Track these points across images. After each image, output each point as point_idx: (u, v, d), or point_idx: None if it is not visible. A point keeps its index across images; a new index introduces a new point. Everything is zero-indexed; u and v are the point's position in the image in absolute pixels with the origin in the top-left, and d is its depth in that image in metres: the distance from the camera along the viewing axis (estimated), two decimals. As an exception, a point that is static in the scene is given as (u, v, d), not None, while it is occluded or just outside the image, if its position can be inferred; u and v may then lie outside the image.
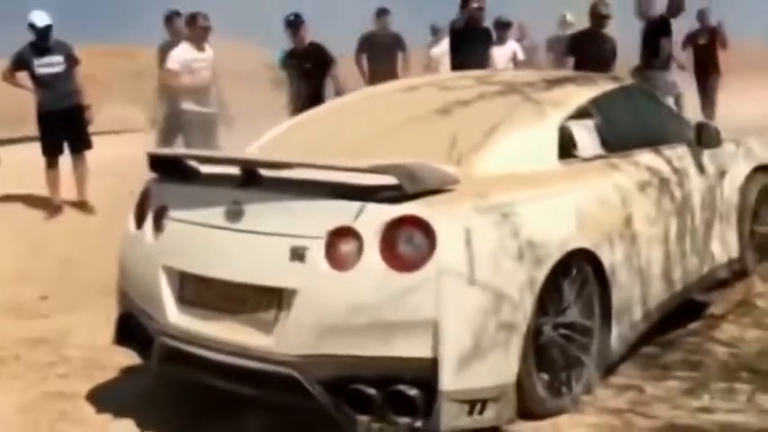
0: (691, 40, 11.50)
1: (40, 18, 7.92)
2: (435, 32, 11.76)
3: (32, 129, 9.75)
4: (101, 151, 8.29)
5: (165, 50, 8.60)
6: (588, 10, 9.08)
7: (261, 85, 11.97)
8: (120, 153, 8.52)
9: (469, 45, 8.46)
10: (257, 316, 3.42)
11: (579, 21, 10.37)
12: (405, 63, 10.02)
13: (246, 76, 10.51)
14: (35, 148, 8.41)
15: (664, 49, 9.38)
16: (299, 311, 3.29)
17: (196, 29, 8.19)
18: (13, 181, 7.84)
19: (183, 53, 8.16)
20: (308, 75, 8.50)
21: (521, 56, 10.51)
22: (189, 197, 3.73)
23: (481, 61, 8.27)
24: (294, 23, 8.61)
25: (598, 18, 8.88)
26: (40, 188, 8.22)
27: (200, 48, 8.19)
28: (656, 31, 9.29)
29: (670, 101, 9.58)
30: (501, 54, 10.18)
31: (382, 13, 9.87)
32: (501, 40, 10.30)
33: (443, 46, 11.30)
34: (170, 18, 8.74)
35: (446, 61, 10.94)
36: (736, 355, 4.28)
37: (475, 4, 8.49)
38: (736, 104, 11.06)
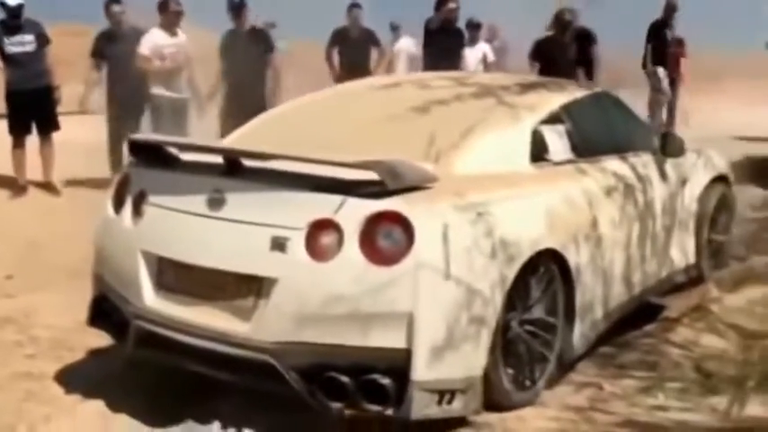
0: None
1: None
2: (395, 29, 11.86)
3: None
4: (64, 132, 8.22)
5: (100, 39, 8.48)
6: (553, 17, 9.37)
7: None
8: (81, 134, 8.44)
9: (443, 45, 8.58)
10: (236, 303, 3.49)
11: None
12: (379, 59, 10.02)
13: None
14: (-1, 127, 8.35)
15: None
16: (277, 300, 3.37)
17: (168, 14, 8.17)
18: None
19: (154, 38, 8.15)
20: (248, 59, 8.38)
21: (491, 57, 10.61)
22: (169, 184, 3.78)
23: (454, 61, 8.38)
24: (237, 6, 8.54)
25: (562, 24, 9.15)
26: (3, 168, 8.14)
27: (172, 33, 8.19)
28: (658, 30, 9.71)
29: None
30: (472, 55, 10.30)
31: (353, 6, 9.91)
32: (472, 41, 10.41)
33: (402, 43, 11.43)
34: (108, 5, 8.43)
35: (404, 57, 11.07)
36: (690, 357, 4.44)
37: (452, 5, 8.61)
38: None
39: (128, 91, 8.01)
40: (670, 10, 11.37)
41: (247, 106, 7.15)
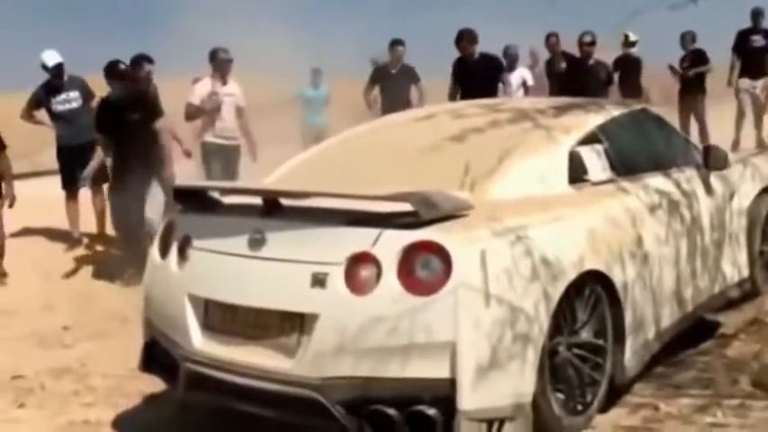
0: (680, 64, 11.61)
1: (51, 57, 8.11)
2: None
3: (38, 163, 9.91)
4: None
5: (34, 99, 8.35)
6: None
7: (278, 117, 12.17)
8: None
9: (479, 75, 8.64)
10: (280, 340, 3.52)
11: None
12: (420, 96, 9.95)
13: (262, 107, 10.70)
14: (45, 183, 8.57)
15: None
16: (320, 335, 3.39)
17: (217, 62, 8.36)
18: (30, 215, 7.95)
19: (204, 87, 8.34)
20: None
21: (530, 81, 10.62)
22: (212, 227, 3.85)
23: (491, 91, 8.44)
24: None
25: (583, 46, 9.68)
26: (58, 221, 8.34)
27: (223, 81, 8.36)
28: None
29: None
30: (511, 80, 10.39)
31: (396, 43, 9.90)
32: (510, 68, 10.46)
33: None
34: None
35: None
36: (747, 372, 4.34)
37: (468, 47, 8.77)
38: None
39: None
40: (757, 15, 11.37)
41: None
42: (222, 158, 8.30)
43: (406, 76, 9.91)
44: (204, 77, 8.48)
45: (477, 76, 8.61)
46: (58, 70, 8.11)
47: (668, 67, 11.63)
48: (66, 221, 8.24)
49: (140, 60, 8.04)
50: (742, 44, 11.42)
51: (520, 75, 10.59)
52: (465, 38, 8.79)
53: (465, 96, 8.33)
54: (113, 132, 7.19)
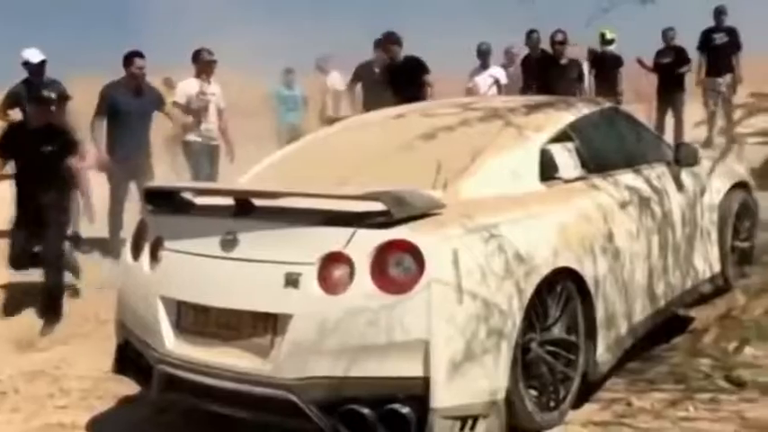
0: (655, 59, 11.74)
1: (34, 55, 8.03)
2: (322, 66, 11.74)
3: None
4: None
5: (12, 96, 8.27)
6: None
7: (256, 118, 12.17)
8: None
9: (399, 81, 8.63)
10: (254, 341, 3.52)
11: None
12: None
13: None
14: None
15: None
16: (294, 336, 3.39)
17: (201, 63, 8.39)
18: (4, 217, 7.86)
19: (188, 87, 8.36)
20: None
21: (503, 80, 10.59)
22: (184, 228, 3.84)
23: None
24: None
25: (555, 45, 9.98)
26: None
27: (206, 82, 8.40)
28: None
29: None
30: (482, 80, 10.44)
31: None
32: (483, 67, 10.54)
33: (332, 78, 11.37)
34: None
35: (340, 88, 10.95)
36: (719, 367, 4.39)
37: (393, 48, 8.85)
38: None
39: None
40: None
41: None
42: (207, 158, 8.33)
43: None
44: (188, 78, 8.47)
45: (401, 78, 8.59)
46: (41, 68, 8.04)
47: (636, 60, 11.72)
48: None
49: (132, 56, 7.95)
50: (706, 43, 11.57)
51: (491, 74, 10.57)
52: (387, 41, 8.88)
53: (396, 100, 8.25)
54: (21, 162, 6.61)
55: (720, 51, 11.43)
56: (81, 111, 8.16)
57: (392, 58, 8.92)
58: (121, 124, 7.81)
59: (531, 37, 10.61)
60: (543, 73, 10.12)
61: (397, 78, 8.69)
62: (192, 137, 8.34)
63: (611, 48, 11.17)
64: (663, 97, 11.58)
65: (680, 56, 11.57)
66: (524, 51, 10.82)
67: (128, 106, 7.83)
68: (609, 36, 11.10)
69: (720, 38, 11.45)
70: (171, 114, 8.27)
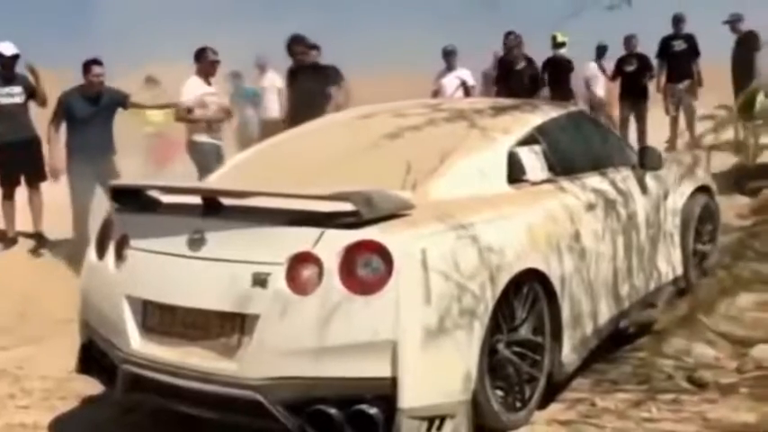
0: (618, 66, 11.81)
1: (8, 48, 7.92)
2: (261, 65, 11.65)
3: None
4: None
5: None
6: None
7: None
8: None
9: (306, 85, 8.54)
10: (221, 341, 3.50)
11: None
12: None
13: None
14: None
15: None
16: (261, 336, 3.38)
17: (205, 63, 8.20)
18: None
19: (194, 87, 8.18)
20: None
21: (471, 82, 10.54)
22: (151, 227, 3.80)
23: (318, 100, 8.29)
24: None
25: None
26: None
27: (208, 82, 8.27)
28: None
29: None
30: (449, 83, 10.32)
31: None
32: (449, 69, 10.46)
33: (269, 78, 11.27)
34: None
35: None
36: (682, 367, 4.45)
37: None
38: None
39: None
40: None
41: None
42: (215, 158, 8.03)
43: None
44: (191, 77, 8.28)
45: (304, 85, 8.49)
46: (13, 61, 7.93)
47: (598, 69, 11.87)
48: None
49: (90, 64, 7.86)
50: (665, 50, 11.70)
51: (457, 75, 10.46)
52: (294, 44, 8.74)
53: (296, 104, 8.33)
54: None
55: (680, 58, 11.58)
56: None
57: (298, 62, 8.73)
58: (81, 130, 7.77)
59: (507, 38, 10.54)
60: (503, 76, 10.22)
61: (301, 84, 8.52)
62: (201, 138, 8.15)
63: (563, 51, 11.23)
64: (626, 104, 11.67)
65: (643, 63, 11.69)
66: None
67: (84, 112, 7.79)
68: (560, 39, 11.16)
69: (679, 44, 11.61)
70: (141, 105, 8.28)
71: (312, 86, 8.51)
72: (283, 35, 8.97)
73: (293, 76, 8.90)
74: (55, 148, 7.88)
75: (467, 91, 10.37)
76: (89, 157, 7.61)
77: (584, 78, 11.84)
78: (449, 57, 10.57)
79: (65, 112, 7.82)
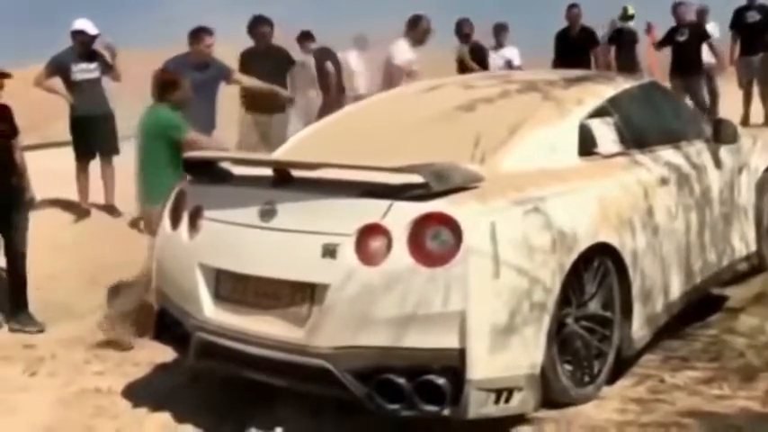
0: (669, 36, 10.90)
1: (91, 27, 8.08)
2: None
3: (45, 136, 9.75)
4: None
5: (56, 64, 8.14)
6: None
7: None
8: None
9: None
10: (291, 310, 3.55)
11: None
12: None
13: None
14: (52, 155, 8.54)
15: None
16: (331, 305, 3.42)
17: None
18: (38, 187, 7.93)
19: (406, 51, 8.08)
20: None
21: (517, 62, 10.04)
22: (223, 198, 3.87)
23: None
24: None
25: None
26: (66, 193, 8.34)
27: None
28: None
29: None
30: (494, 62, 9.92)
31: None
32: (498, 46, 10.10)
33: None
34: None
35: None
36: (754, 346, 4.37)
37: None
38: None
39: None
40: None
41: None
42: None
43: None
44: (399, 39, 8.12)
45: (258, 66, 8.02)
46: (93, 39, 8.09)
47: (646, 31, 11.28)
48: (73, 193, 8.25)
49: (200, 32, 7.65)
50: (739, 21, 11.33)
51: (503, 56, 10.05)
52: (256, 24, 8.28)
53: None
54: None
55: (754, 29, 11.19)
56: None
57: (258, 43, 8.28)
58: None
59: (570, 11, 10.32)
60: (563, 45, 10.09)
61: (255, 66, 8.02)
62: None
63: (631, 24, 10.92)
64: (678, 78, 11.10)
65: (696, 32, 10.58)
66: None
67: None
68: (630, 11, 10.89)
69: (753, 15, 11.23)
70: (242, 81, 7.89)
71: (271, 70, 8.11)
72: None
73: (249, 58, 8.31)
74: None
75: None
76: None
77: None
78: (499, 32, 10.11)
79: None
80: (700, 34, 10.64)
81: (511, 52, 10.22)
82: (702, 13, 11.43)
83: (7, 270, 5.89)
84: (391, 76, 7.93)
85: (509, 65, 9.96)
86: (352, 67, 10.37)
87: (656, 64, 11.81)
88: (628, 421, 3.60)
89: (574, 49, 10.11)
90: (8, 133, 5.94)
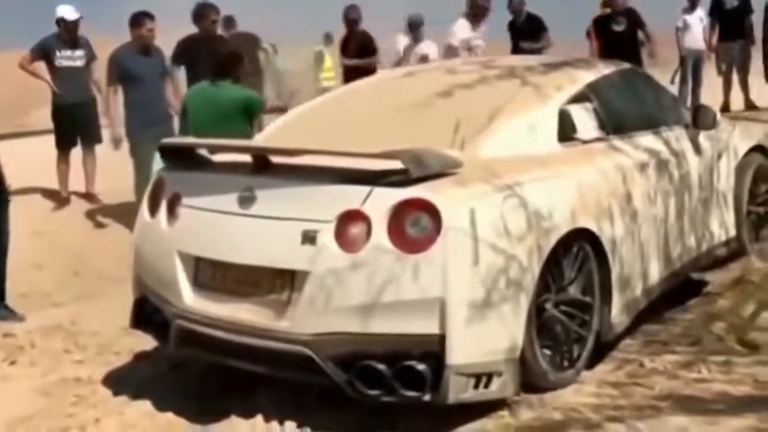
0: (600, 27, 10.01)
1: (71, 12, 8.02)
2: None
3: (22, 124, 9.64)
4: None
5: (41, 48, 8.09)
6: None
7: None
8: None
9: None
10: (271, 297, 3.55)
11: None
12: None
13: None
14: (29, 143, 8.47)
15: None
16: (311, 292, 3.42)
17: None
18: (17, 175, 7.88)
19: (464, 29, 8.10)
20: None
21: (433, 55, 9.26)
22: (202, 185, 3.85)
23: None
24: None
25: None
26: (45, 181, 8.29)
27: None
28: None
29: None
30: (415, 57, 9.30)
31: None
32: (416, 41, 9.50)
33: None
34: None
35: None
36: (732, 330, 4.40)
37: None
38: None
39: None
40: None
41: None
42: None
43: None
44: (459, 18, 8.24)
45: (204, 55, 7.25)
46: (76, 25, 8.02)
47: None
48: (53, 181, 8.20)
49: (141, 17, 7.50)
50: (718, 8, 11.33)
51: (420, 50, 9.41)
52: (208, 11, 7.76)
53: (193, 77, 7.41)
54: None
55: (732, 15, 11.20)
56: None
57: (206, 31, 7.72)
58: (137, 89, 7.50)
59: (511, 3, 9.93)
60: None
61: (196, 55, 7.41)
62: None
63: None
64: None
65: (633, 21, 9.65)
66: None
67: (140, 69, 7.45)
68: None
69: (731, 2, 11.21)
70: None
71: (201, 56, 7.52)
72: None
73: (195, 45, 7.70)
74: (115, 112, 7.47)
75: None
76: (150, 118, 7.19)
77: None
78: (414, 29, 9.54)
79: (118, 70, 7.39)
80: (635, 22, 9.71)
81: (428, 47, 9.57)
82: None
83: None
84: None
85: (425, 61, 9.19)
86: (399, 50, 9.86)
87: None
88: (604, 405, 3.62)
89: (524, 39, 9.83)
90: None
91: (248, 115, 5.57)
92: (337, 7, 9.92)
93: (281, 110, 7.26)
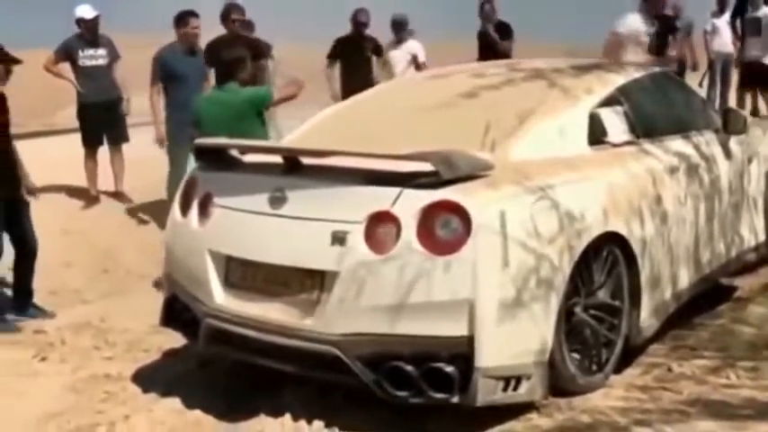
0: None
1: (88, 11, 8.08)
2: None
3: (50, 123, 9.66)
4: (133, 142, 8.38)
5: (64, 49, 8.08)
6: None
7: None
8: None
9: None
10: (300, 297, 3.57)
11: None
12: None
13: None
14: (57, 142, 8.51)
15: None
16: (340, 293, 3.43)
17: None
18: (45, 174, 7.94)
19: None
20: None
21: (422, 57, 9.19)
22: (233, 185, 3.88)
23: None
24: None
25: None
26: (73, 180, 8.35)
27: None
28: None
29: None
30: (399, 56, 9.18)
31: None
32: (398, 42, 9.25)
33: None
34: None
35: None
36: (762, 336, 4.38)
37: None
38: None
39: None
40: None
41: None
42: None
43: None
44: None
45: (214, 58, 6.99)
46: (95, 24, 8.09)
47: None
48: (81, 180, 8.27)
49: (187, 16, 7.47)
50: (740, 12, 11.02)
51: (408, 50, 9.24)
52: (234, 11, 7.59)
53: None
54: None
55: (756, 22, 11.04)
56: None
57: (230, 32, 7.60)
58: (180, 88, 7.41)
59: (483, 8, 9.46)
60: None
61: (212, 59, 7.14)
62: None
63: None
64: None
65: (666, 25, 9.33)
66: None
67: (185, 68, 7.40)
68: None
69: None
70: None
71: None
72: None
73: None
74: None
75: (417, 67, 9.06)
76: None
77: None
78: (397, 28, 9.27)
79: (162, 71, 7.35)
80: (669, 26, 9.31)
81: (414, 46, 9.30)
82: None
83: (18, 262, 5.81)
84: (617, 45, 7.49)
85: (414, 61, 9.20)
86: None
87: None
88: (631, 408, 3.61)
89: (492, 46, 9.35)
90: (6, 124, 5.66)
91: (258, 111, 5.57)
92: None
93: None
